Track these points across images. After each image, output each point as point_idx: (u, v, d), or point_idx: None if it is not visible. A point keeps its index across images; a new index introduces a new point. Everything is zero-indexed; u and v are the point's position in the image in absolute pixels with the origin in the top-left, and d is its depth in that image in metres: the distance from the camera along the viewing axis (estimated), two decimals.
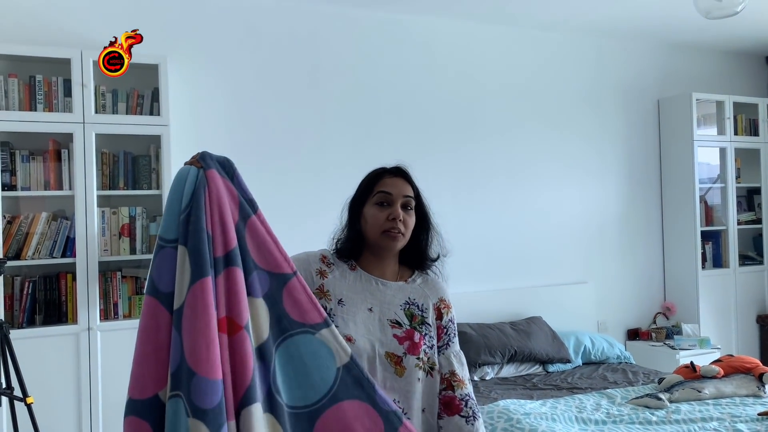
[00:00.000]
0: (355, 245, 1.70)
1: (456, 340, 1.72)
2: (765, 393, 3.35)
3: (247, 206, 1.45)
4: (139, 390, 1.32)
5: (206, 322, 1.30)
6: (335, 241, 1.75)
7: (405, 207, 1.67)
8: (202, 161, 1.42)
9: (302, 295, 1.46)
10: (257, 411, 1.33)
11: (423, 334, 1.64)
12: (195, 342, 1.28)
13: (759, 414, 3.03)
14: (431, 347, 1.65)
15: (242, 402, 1.32)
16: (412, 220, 1.68)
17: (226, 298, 1.36)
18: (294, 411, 1.41)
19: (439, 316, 1.71)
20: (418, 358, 1.60)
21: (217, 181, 1.41)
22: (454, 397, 1.63)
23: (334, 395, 1.42)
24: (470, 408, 1.63)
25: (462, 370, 1.68)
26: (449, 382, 1.65)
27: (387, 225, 1.63)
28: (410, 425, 1.47)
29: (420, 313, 1.67)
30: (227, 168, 1.45)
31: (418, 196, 1.72)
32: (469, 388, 1.66)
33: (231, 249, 1.39)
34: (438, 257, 1.75)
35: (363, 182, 1.73)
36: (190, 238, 1.35)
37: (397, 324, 1.62)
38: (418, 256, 1.73)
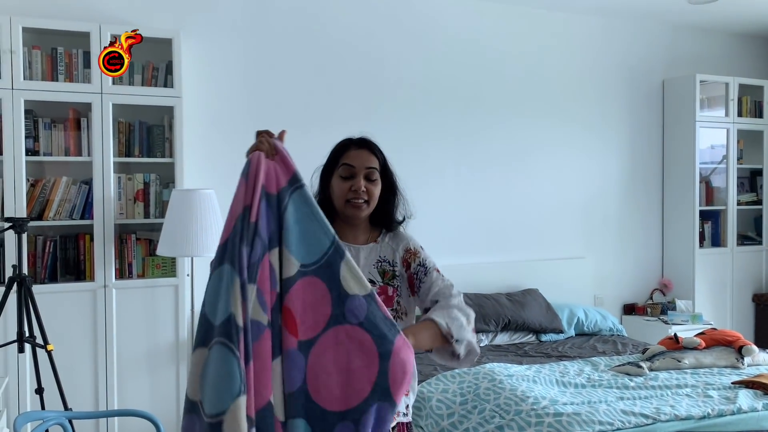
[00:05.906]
0: (326, 213, 1.80)
1: (433, 275, 1.80)
2: (743, 365, 3.48)
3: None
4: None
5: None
6: None
7: (368, 178, 1.79)
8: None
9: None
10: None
11: (396, 286, 1.82)
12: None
13: (732, 383, 3.18)
14: (403, 296, 1.83)
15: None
16: (376, 189, 1.81)
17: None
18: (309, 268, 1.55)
19: (408, 266, 1.84)
20: (392, 309, 1.79)
21: None
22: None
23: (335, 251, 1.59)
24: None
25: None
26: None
27: (350, 195, 1.78)
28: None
29: (391, 268, 1.83)
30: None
31: (384, 165, 1.84)
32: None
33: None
34: (403, 219, 1.91)
35: (330, 153, 1.85)
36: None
37: (372, 282, 1.77)
38: (385, 218, 1.88)
